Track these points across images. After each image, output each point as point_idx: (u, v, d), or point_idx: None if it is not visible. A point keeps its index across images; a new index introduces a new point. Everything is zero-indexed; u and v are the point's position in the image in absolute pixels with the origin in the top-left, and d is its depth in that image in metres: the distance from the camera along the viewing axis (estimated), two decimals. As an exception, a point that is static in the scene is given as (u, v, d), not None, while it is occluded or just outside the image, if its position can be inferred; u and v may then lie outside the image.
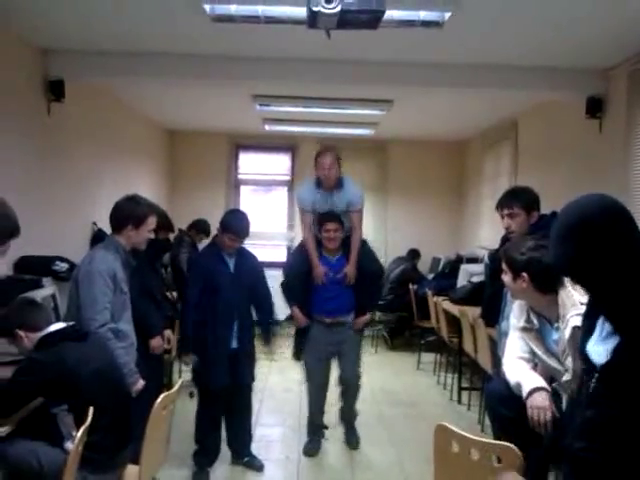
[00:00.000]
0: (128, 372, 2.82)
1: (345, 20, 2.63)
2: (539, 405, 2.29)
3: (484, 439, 2.11)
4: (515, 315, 2.66)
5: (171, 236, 5.42)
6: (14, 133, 3.98)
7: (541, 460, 2.20)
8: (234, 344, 3.63)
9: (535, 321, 2.55)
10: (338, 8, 2.43)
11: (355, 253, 4.01)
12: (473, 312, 4.67)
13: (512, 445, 1.99)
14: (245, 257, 3.77)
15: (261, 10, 3.51)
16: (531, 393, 2.34)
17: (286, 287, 4.08)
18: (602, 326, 1.65)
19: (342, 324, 4.00)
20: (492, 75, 4.60)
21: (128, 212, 3.03)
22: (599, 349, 1.63)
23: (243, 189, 8.57)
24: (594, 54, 4.21)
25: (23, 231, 3.90)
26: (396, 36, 3.81)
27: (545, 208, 3.47)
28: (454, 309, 5.40)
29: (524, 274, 2.42)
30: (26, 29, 3.94)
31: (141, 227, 3.01)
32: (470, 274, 6.08)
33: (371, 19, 2.68)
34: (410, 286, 6.84)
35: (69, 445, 2.30)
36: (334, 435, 4.31)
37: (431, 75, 4.67)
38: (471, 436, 2.09)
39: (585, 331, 1.72)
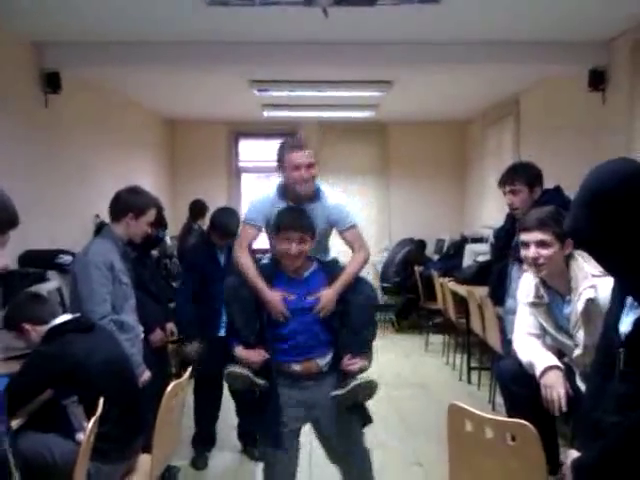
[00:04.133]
0: (134, 363, 2.81)
1: (342, -2, 2.59)
2: (553, 383, 2.26)
3: (498, 417, 2.10)
4: (524, 291, 2.63)
5: (167, 233, 5.42)
6: (12, 127, 3.96)
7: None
8: (222, 333, 3.58)
9: (545, 296, 2.52)
10: (335, -15, 2.39)
11: (347, 277, 2.65)
12: (480, 292, 4.65)
13: (527, 422, 1.98)
14: None
15: (256, -9, 3.48)
16: (544, 372, 2.32)
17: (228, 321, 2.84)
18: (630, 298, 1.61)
19: (318, 376, 2.58)
20: (492, 51, 4.55)
21: (129, 202, 3.02)
22: (626, 320, 1.60)
23: (244, 176, 8.53)
24: (595, 25, 4.15)
25: (26, 225, 3.89)
26: (393, 15, 3.77)
27: (550, 183, 3.44)
28: (461, 289, 5.39)
29: (569, 239, 2.30)
30: (19, 23, 3.90)
31: (141, 218, 3.00)
32: (476, 254, 6.07)
33: (368, -4, 2.64)
34: (415, 268, 6.82)
35: (80, 436, 2.29)
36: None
37: (430, 54, 4.62)
38: (485, 414, 2.07)
39: (615, 302, 1.68)
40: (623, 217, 1.43)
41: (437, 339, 6.38)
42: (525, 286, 2.62)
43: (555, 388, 2.25)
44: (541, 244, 2.37)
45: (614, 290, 1.70)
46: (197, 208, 6.23)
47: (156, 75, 5.44)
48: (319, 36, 4.33)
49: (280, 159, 2.79)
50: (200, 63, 4.66)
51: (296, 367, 2.56)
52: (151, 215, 3.09)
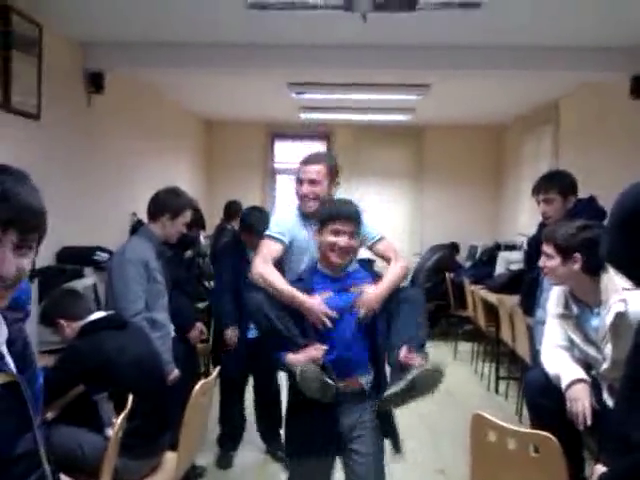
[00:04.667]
0: (163, 361, 2.87)
1: (382, 3, 2.60)
2: (578, 397, 2.24)
3: (521, 429, 2.09)
4: (553, 302, 2.61)
5: (202, 234, 5.51)
6: (56, 124, 4.07)
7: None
8: (252, 334, 3.57)
9: (574, 308, 2.49)
10: (374, -9, 2.40)
11: (390, 283, 2.41)
12: (511, 300, 4.61)
13: (550, 435, 1.97)
14: None
15: (297, -5, 3.51)
16: (570, 385, 2.30)
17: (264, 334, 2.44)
18: None
19: (358, 396, 2.30)
20: (532, 57, 4.47)
21: (167, 203, 3.10)
22: None
23: (279, 178, 8.59)
24: (638, 31, 4.05)
25: (64, 222, 4.04)
26: (433, 18, 3.75)
27: (589, 192, 3.39)
28: (492, 297, 5.33)
29: (577, 255, 2.34)
30: (65, 24, 4.00)
31: (177, 219, 3.07)
32: (508, 262, 5.99)
33: (408, 1, 2.65)
34: (446, 274, 6.77)
35: (109, 431, 2.35)
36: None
37: (469, 58, 4.57)
38: (508, 425, 2.07)
39: None
40: None
41: (466, 347, 6.32)
42: (555, 297, 2.60)
43: (580, 401, 2.23)
44: (545, 255, 2.49)
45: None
46: (232, 209, 6.29)
47: (196, 76, 5.52)
48: (357, 39, 4.33)
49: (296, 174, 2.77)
50: (239, 65, 4.70)
51: (340, 385, 2.22)
52: (187, 216, 3.16)
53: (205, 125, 8.27)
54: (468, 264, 7.35)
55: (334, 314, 2.24)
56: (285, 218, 2.73)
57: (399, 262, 2.59)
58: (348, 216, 2.30)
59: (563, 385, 2.32)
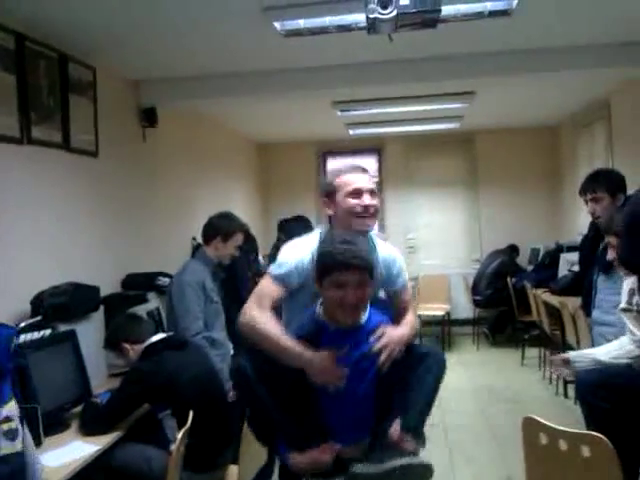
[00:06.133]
0: (223, 378, 2.99)
1: (403, 23, 2.67)
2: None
3: (573, 430, 2.07)
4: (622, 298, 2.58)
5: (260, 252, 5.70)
6: (114, 160, 4.30)
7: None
8: None
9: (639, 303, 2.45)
10: (394, 13, 2.48)
11: (411, 328, 2.09)
12: (574, 303, 4.52)
13: (601, 435, 1.95)
14: None
15: (329, 20, 3.62)
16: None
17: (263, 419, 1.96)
18: None
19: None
20: (573, 56, 4.40)
21: (218, 226, 3.27)
22: None
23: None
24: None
25: (128, 250, 4.27)
26: (468, 28, 3.78)
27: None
28: (554, 300, 5.24)
29: None
30: (117, 65, 4.26)
31: (229, 241, 3.22)
32: (571, 263, 5.85)
33: (429, 19, 2.71)
34: (508, 279, 6.68)
35: (173, 447, 2.48)
36: (433, 433, 4.30)
37: (509, 63, 4.53)
38: (559, 427, 2.06)
39: None
40: None
41: (533, 353, 6.19)
42: (623, 293, 2.58)
43: None
44: (612, 247, 2.50)
45: None
46: (283, 226, 6.48)
47: (246, 103, 5.71)
48: (395, 55, 4.39)
49: (328, 187, 2.17)
50: (284, 89, 4.85)
51: (347, 451, 1.91)
52: (238, 239, 3.31)
53: (258, 148, 8.49)
54: (530, 267, 7.22)
55: (345, 371, 1.86)
56: (299, 259, 2.06)
57: (412, 315, 2.19)
58: (355, 264, 1.81)
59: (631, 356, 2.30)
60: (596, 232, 3.30)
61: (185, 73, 4.63)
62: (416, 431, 1.86)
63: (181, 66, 4.46)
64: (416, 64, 4.59)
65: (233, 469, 2.69)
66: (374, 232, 2.22)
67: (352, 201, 2.09)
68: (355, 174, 2.15)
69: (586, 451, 1.98)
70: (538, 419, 2.12)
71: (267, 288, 2.03)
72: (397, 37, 3.71)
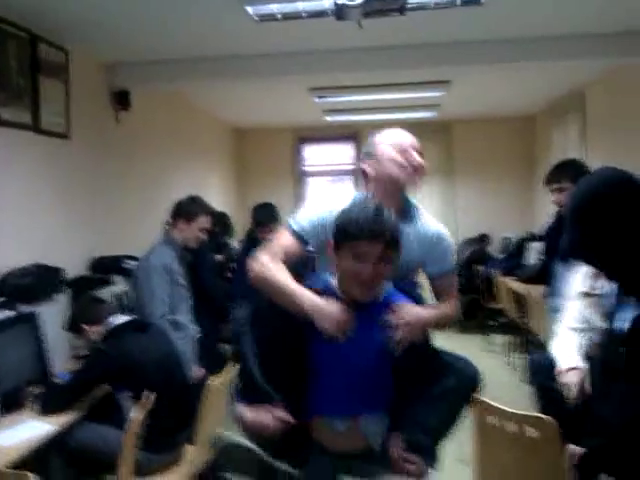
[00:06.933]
0: (186, 361, 3.01)
1: (371, 10, 2.69)
2: (569, 381, 2.24)
3: (521, 411, 2.12)
4: (578, 281, 2.58)
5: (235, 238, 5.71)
6: (87, 142, 4.28)
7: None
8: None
9: (604, 287, 2.45)
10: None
11: (446, 312, 1.94)
12: (539, 291, 4.60)
13: (548, 417, 2.00)
14: None
15: (301, 6, 3.62)
16: (563, 372, 2.31)
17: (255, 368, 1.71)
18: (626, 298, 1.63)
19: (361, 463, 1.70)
20: (548, 47, 4.42)
21: (181, 208, 3.29)
22: (623, 315, 1.62)
23: (310, 180, 8.72)
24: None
25: (96, 234, 4.25)
26: (443, 17, 3.79)
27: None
28: (520, 288, 5.33)
29: None
30: (90, 48, 4.22)
31: (192, 223, 3.23)
32: (539, 252, 5.95)
33: (396, 6, 2.73)
34: (477, 267, 6.77)
35: (132, 428, 2.50)
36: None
37: (484, 52, 4.56)
38: (507, 408, 2.11)
39: (615, 302, 1.71)
40: (612, 228, 1.48)
41: (500, 339, 6.31)
42: (581, 277, 2.58)
43: (572, 385, 2.23)
44: None
45: (614, 291, 1.73)
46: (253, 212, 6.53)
47: (222, 88, 5.70)
48: (371, 41, 4.40)
49: (369, 149, 1.98)
50: (259, 74, 4.83)
51: (340, 427, 1.68)
52: (203, 222, 3.32)
53: (235, 133, 8.47)
54: (501, 256, 7.32)
55: (352, 324, 1.64)
56: (317, 217, 1.91)
57: (455, 301, 1.99)
58: (374, 234, 1.58)
59: (558, 369, 2.34)
60: (560, 221, 3.35)
61: (159, 56, 4.60)
62: (426, 452, 1.65)
63: (155, 49, 4.42)
64: (392, 52, 4.59)
65: (189, 449, 2.73)
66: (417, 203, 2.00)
67: (399, 158, 1.92)
68: (400, 134, 1.99)
69: (532, 432, 2.04)
70: (488, 401, 2.16)
71: (282, 238, 1.91)
72: (372, 24, 3.74)
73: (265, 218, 3.99)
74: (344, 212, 1.67)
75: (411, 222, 1.92)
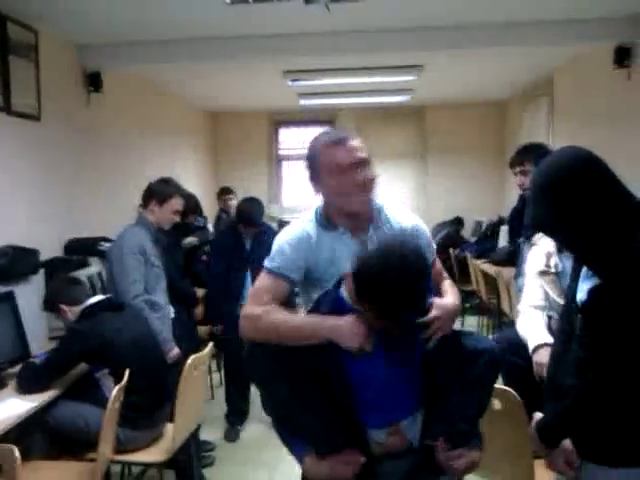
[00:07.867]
0: (162, 340, 3.05)
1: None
2: (541, 361, 2.33)
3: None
4: (535, 261, 2.63)
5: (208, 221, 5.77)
6: (58, 123, 4.25)
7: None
8: None
9: (560, 264, 2.51)
10: (328, -18, 2.52)
11: (458, 301, 1.82)
12: (509, 272, 4.71)
13: (510, 389, 2.10)
14: (265, 235, 4.00)
15: (273, -12, 3.63)
16: (536, 349, 2.39)
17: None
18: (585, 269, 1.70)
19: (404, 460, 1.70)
20: (519, 32, 4.50)
21: (153, 190, 3.30)
22: (582, 287, 1.69)
23: (285, 164, 8.75)
24: (619, 2, 4.09)
25: (71, 216, 4.23)
26: (414, 1, 3.83)
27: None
28: (491, 270, 5.44)
29: None
30: (60, 28, 4.17)
31: (164, 205, 3.25)
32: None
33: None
34: (450, 251, 6.89)
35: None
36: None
37: (456, 37, 4.62)
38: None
39: (574, 273, 1.77)
40: (574, 204, 1.53)
41: (473, 321, 6.45)
42: (536, 257, 2.63)
43: (544, 365, 2.32)
44: None
45: (573, 263, 1.81)
46: (223, 193, 6.65)
47: (193, 70, 5.67)
48: (342, 25, 4.43)
49: (313, 164, 1.83)
50: (234, 57, 4.81)
51: (382, 437, 1.66)
52: (175, 204, 3.33)
53: (209, 116, 8.43)
54: (474, 239, 7.44)
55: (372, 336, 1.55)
56: (292, 244, 1.80)
57: (454, 286, 1.94)
58: (413, 293, 1.49)
59: (530, 349, 2.43)
60: (523, 204, 3.43)
61: (131, 38, 4.56)
62: (472, 437, 1.66)
63: (127, 31, 4.39)
64: (363, 35, 4.63)
65: (169, 427, 2.78)
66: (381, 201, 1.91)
67: (342, 181, 1.76)
68: (340, 145, 1.80)
69: (497, 404, 2.13)
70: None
71: (263, 282, 1.78)
72: (342, 9, 3.77)
73: (248, 219, 4.03)
74: (363, 263, 1.50)
75: (383, 223, 1.85)
